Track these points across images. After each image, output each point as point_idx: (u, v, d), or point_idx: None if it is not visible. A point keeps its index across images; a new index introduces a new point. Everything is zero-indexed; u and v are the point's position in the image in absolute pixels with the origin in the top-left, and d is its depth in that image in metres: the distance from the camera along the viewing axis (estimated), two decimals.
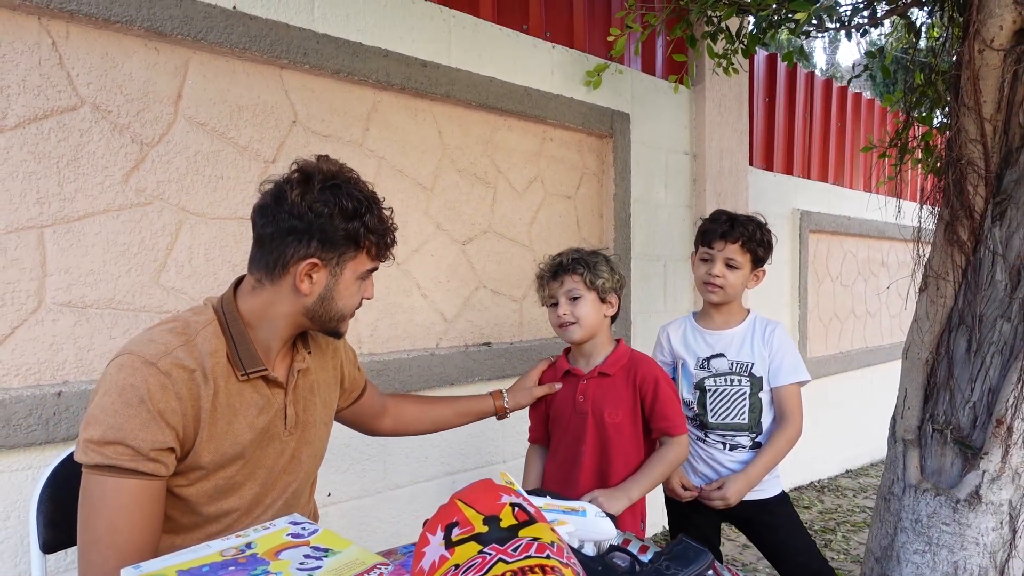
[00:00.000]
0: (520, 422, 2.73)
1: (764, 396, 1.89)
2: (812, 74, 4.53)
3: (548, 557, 0.68)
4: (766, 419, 1.90)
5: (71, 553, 1.66)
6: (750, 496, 1.88)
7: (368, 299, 1.31)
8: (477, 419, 1.77)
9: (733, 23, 2.98)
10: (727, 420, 1.89)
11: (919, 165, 3.09)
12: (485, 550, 0.69)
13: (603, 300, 1.71)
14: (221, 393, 1.14)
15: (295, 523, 0.90)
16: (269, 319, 1.20)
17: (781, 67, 4.21)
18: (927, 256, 2.12)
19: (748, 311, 1.98)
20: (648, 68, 3.29)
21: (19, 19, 1.62)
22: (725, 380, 1.90)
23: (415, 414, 1.70)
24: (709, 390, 1.92)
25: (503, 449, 2.71)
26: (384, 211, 1.24)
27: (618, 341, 1.78)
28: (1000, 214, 1.91)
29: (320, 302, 1.20)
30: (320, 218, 1.14)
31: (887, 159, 3.12)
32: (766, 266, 1.96)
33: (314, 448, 1.35)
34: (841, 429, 4.68)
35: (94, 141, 1.73)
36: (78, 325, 1.72)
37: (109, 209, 1.76)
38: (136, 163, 1.80)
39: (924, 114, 2.93)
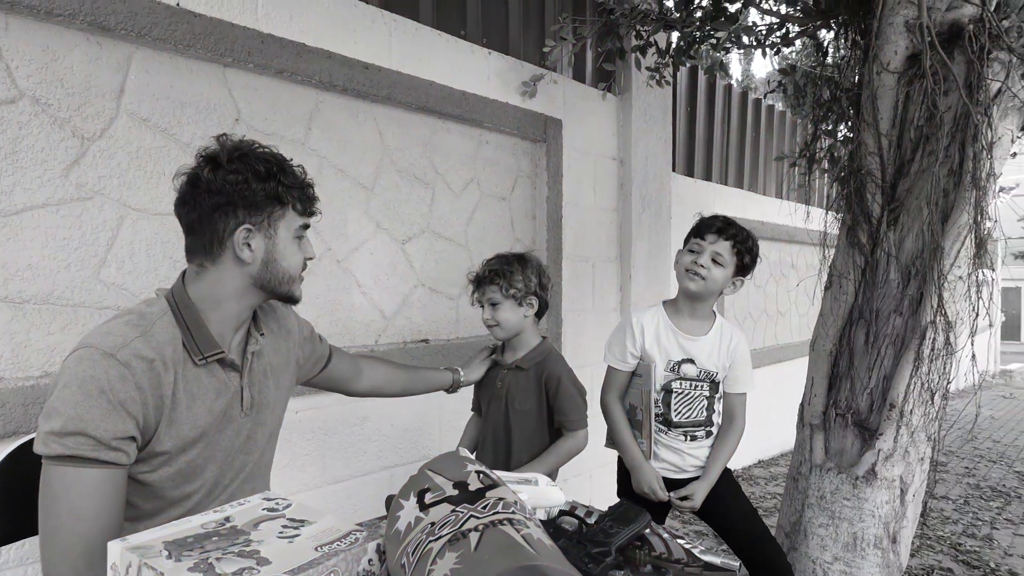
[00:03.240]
0: (456, 417, 2.82)
1: (717, 394, 2.05)
2: (730, 86, 4.79)
3: (513, 513, 0.77)
4: (715, 412, 2.06)
5: (16, 548, 1.64)
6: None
7: (310, 259, 1.35)
8: (436, 390, 1.93)
9: (660, 38, 3.15)
10: (688, 419, 2.03)
11: (825, 175, 3.34)
12: (457, 509, 0.77)
13: (520, 304, 1.89)
14: (180, 380, 1.18)
15: (268, 499, 0.96)
16: (220, 300, 1.24)
17: (702, 79, 4.44)
18: (832, 257, 2.33)
19: (715, 315, 2.09)
20: (579, 76, 3.43)
21: None
22: (691, 385, 2.02)
23: (389, 376, 1.81)
24: (675, 392, 2.01)
25: (440, 444, 2.78)
26: (295, 168, 1.30)
27: (543, 339, 1.98)
28: (894, 220, 2.13)
29: (264, 267, 1.25)
30: (237, 186, 1.19)
31: (797, 168, 3.37)
32: (747, 279, 2.06)
33: (268, 429, 1.40)
34: (754, 421, 4.92)
35: (33, 134, 1.71)
36: (15, 320, 1.70)
37: (48, 203, 1.74)
38: (77, 157, 1.78)
39: (830, 127, 3.18)
